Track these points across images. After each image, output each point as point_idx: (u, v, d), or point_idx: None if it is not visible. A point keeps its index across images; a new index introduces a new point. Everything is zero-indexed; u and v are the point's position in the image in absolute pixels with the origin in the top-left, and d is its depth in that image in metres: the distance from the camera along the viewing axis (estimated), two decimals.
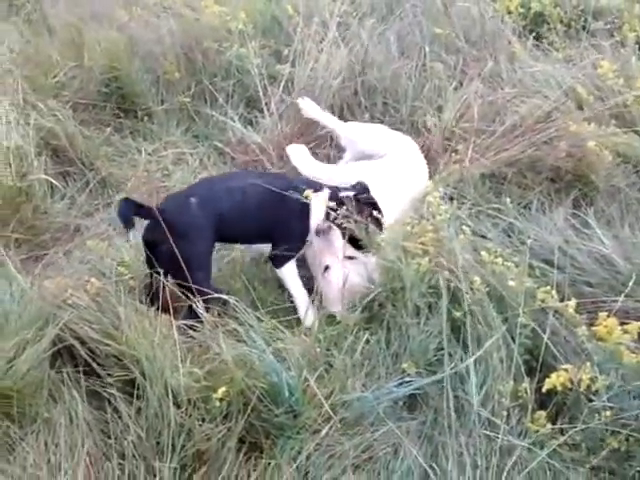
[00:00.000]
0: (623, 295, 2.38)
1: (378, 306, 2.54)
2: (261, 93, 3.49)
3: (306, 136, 3.36)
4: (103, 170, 3.21)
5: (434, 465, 2.10)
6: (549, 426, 2.16)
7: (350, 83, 3.63)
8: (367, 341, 2.43)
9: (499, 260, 2.57)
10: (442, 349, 2.35)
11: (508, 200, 2.86)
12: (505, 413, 2.15)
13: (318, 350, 2.33)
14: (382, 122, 3.46)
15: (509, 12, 4.14)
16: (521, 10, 4.17)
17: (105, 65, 3.65)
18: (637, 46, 3.86)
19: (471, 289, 2.46)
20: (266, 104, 3.49)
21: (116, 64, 3.65)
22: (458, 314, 2.38)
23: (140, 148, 3.40)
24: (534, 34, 3.99)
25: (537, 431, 2.14)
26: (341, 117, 3.51)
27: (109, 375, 2.27)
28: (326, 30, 3.68)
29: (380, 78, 3.66)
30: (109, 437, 2.19)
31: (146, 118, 3.56)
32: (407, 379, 2.30)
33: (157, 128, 3.53)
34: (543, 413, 2.19)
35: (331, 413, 2.14)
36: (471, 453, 2.09)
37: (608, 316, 2.36)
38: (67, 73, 3.58)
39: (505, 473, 2.04)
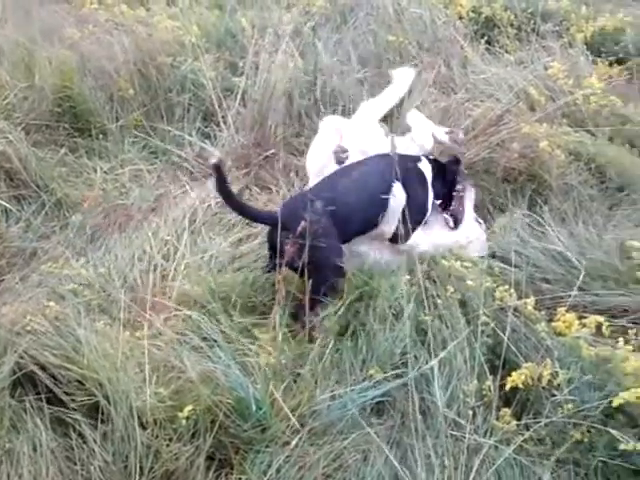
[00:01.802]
0: (576, 288, 2.44)
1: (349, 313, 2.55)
2: (217, 106, 3.48)
3: (263, 146, 3.36)
4: (58, 191, 3.13)
5: (404, 468, 2.11)
6: (514, 423, 2.20)
7: (309, 93, 3.65)
8: (336, 349, 2.44)
9: (459, 262, 2.63)
10: (408, 353, 2.38)
11: None
12: (471, 412, 2.18)
13: (284, 362, 2.32)
14: None
15: (460, 17, 4.22)
16: (472, 15, 4.26)
17: (57, 84, 3.57)
18: (585, 46, 3.98)
19: (438, 295, 2.50)
20: (223, 117, 3.48)
21: (68, 83, 3.58)
22: (427, 318, 2.41)
23: (96, 167, 3.34)
24: (486, 38, 4.07)
25: (503, 428, 2.18)
26: (301, 125, 3.53)
27: (72, 400, 2.24)
28: (280, 41, 3.69)
29: (339, 85, 3.69)
30: (75, 464, 2.16)
31: (101, 136, 3.49)
32: (374, 384, 2.32)
33: (112, 146, 3.47)
34: (508, 410, 2.23)
35: (298, 425, 2.14)
36: (439, 454, 2.11)
37: (567, 311, 2.43)
38: (18, 94, 3.49)
39: (473, 472, 2.06)
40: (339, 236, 2.56)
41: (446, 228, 2.91)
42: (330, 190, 2.64)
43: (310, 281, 2.39)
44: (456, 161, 2.95)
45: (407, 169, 2.79)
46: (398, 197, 2.68)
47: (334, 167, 2.87)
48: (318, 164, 2.97)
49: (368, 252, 2.75)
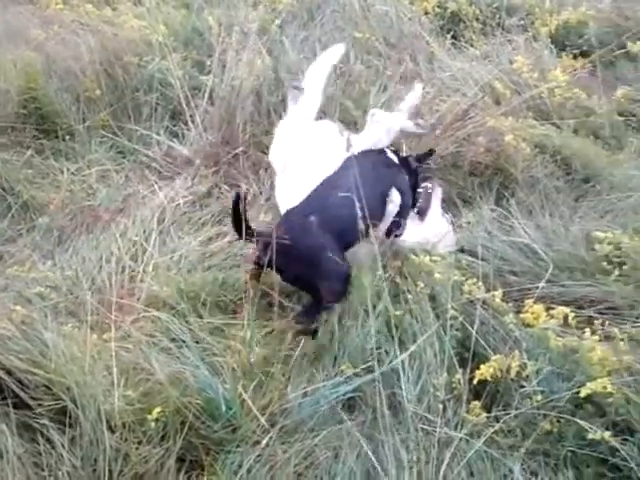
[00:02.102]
0: (544, 280, 2.46)
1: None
2: (185, 105, 3.46)
3: (232, 143, 3.33)
4: (25, 193, 3.08)
5: (375, 464, 2.12)
6: (484, 415, 2.20)
7: (277, 90, 3.64)
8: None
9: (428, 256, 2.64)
10: (379, 348, 2.38)
11: None
12: (441, 406, 2.19)
13: (253, 360, 2.31)
14: None
15: (426, 13, 4.26)
16: (438, 10, 4.30)
17: (22, 86, 3.51)
18: (549, 40, 4.04)
19: (408, 290, 2.51)
20: (191, 116, 3.45)
21: (33, 84, 3.52)
22: (397, 313, 2.41)
23: (62, 168, 3.29)
24: (451, 33, 4.11)
25: (473, 421, 2.19)
26: (269, 123, 3.52)
27: (39, 405, 2.19)
28: (247, 39, 3.68)
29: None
30: (42, 469, 2.11)
31: (67, 137, 3.44)
32: (345, 380, 2.32)
33: (79, 147, 3.42)
34: (478, 403, 2.24)
35: (266, 425, 2.13)
36: (410, 449, 2.12)
37: (534, 303, 2.45)
38: None
39: (444, 465, 2.07)
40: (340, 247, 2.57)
41: (416, 222, 2.92)
42: (322, 203, 2.64)
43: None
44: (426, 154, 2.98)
45: (388, 165, 2.83)
46: (395, 202, 2.73)
47: (298, 162, 2.87)
48: (281, 160, 2.97)
49: None
